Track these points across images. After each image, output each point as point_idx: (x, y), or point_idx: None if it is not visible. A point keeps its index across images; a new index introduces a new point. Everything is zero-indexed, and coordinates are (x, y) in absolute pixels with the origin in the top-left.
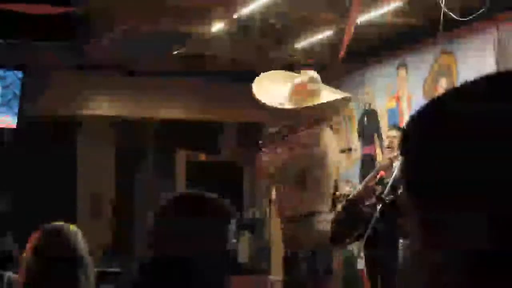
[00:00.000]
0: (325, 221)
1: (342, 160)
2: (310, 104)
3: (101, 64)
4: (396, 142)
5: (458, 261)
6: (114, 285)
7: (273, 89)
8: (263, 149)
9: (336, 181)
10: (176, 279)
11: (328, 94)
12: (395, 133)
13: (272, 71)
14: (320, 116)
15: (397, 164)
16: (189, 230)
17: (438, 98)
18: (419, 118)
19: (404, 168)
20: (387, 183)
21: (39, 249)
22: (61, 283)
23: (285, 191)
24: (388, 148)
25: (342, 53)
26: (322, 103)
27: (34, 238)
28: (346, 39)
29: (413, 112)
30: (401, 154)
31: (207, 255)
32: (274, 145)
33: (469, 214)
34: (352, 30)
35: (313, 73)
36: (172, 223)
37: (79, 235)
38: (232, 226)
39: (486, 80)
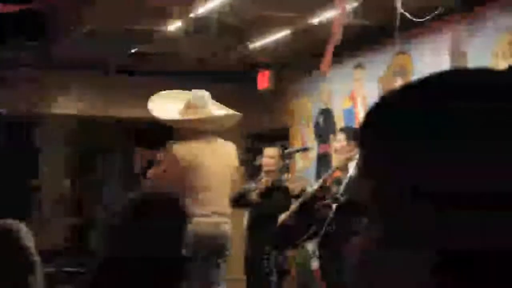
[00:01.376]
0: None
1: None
2: (197, 118)
3: (65, 63)
4: (343, 145)
5: (420, 259)
6: (72, 285)
7: (168, 105)
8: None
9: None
10: (134, 279)
11: (215, 110)
12: (342, 137)
13: (168, 90)
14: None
15: (353, 165)
16: (146, 230)
17: (392, 93)
18: (376, 112)
19: (363, 162)
20: (341, 183)
21: None
22: (10, 283)
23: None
24: (335, 151)
25: (326, 63)
26: (211, 118)
27: None
28: (333, 42)
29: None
30: (360, 147)
31: (164, 254)
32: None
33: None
34: (338, 34)
35: (200, 92)
36: (129, 223)
37: (29, 235)
38: (187, 227)
39: (437, 77)
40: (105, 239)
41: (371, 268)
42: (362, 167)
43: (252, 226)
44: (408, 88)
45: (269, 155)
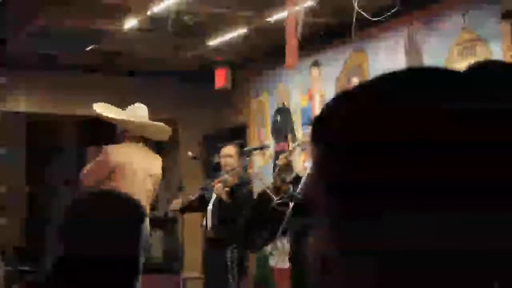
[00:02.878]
0: None
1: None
2: (140, 122)
3: (18, 60)
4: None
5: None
6: (25, 284)
7: (111, 109)
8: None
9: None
10: (87, 278)
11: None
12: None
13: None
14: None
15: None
16: (100, 229)
17: (349, 92)
18: (328, 111)
19: (320, 165)
20: (297, 181)
21: None
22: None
23: None
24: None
25: (291, 58)
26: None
27: None
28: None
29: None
30: (317, 149)
31: (118, 254)
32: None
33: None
34: (297, 33)
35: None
36: (83, 221)
37: None
38: (145, 225)
39: (394, 75)
40: (59, 236)
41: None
42: (313, 166)
43: (216, 225)
44: (362, 88)
45: (227, 153)
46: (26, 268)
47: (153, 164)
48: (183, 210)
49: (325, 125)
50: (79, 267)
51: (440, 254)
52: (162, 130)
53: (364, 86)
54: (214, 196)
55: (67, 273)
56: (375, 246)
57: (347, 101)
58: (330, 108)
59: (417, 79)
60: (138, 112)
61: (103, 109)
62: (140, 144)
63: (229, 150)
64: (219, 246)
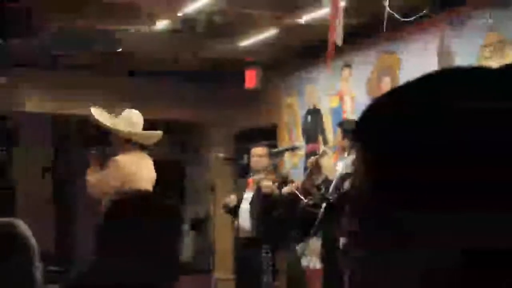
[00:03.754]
0: None
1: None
2: (141, 133)
3: (32, 61)
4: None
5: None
6: (58, 285)
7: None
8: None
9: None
10: (127, 279)
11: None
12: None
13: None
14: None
15: (343, 164)
16: (139, 230)
17: (394, 91)
18: (378, 111)
19: (367, 165)
20: (328, 182)
21: None
22: (17, 282)
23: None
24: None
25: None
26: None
27: None
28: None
29: (356, 111)
30: (363, 152)
31: (158, 254)
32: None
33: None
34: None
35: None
36: (122, 222)
37: (29, 230)
38: (183, 226)
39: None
40: (99, 238)
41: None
42: (358, 166)
43: (252, 225)
44: (408, 87)
45: (257, 154)
46: (55, 268)
47: (151, 167)
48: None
49: (371, 125)
50: (119, 267)
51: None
52: (158, 137)
53: (410, 85)
54: (247, 195)
55: (107, 273)
56: (428, 243)
57: (393, 100)
58: (376, 108)
59: (465, 79)
60: (134, 119)
61: (102, 118)
62: (141, 152)
63: (259, 150)
64: (253, 246)
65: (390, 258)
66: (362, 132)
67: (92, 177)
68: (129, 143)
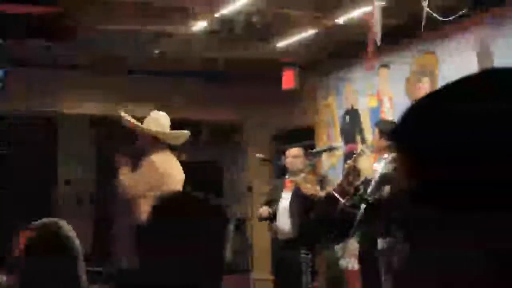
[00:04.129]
0: None
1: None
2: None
3: (81, 62)
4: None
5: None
6: (98, 284)
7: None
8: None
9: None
10: (174, 279)
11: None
12: (377, 132)
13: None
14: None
15: (381, 164)
16: (186, 230)
17: (436, 93)
18: (420, 113)
19: (410, 164)
20: (367, 183)
21: (32, 246)
22: (58, 281)
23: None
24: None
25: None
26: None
27: (27, 236)
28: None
29: (395, 111)
30: (404, 154)
31: (204, 256)
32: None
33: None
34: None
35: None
36: (167, 223)
37: (72, 231)
38: (229, 227)
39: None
40: (145, 238)
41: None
42: (399, 167)
43: (291, 226)
44: (449, 89)
45: (293, 155)
46: (94, 268)
47: (182, 170)
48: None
49: (413, 126)
50: (165, 268)
51: None
52: (186, 136)
53: (452, 87)
54: (285, 196)
55: (152, 274)
56: (472, 243)
57: (435, 102)
58: (418, 109)
59: (506, 81)
60: (162, 120)
61: (132, 119)
62: (170, 152)
63: (295, 151)
64: (291, 247)
65: (434, 257)
66: (404, 133)
67: (126, 178)
68: (158, 143)
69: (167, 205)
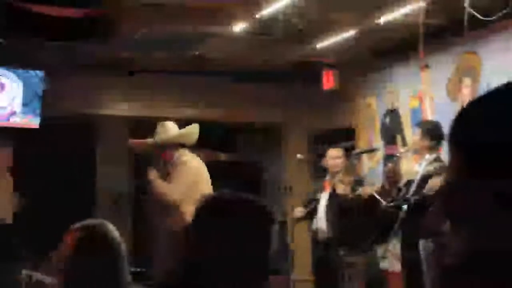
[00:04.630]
0: None
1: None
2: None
3: (120, 64)
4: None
5: None
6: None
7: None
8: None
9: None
10: (220, 280)
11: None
12: (418, 132)
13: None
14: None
15: (423, 164)
16: (232, 230)
17: (492, 92)
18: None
19: (463, 164)
20: (409, 183)
21: (81, 247)
22: (105, 282)
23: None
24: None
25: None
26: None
27: (72, 237)
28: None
29: (436, 112)
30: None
31: (250, 257)
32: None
33: None
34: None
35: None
36: (214, 224)
37: (116, 232)
38: (275, 227)
39: None
40: (188, 239)
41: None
42: (454, 166)
43: (329, 228)
44: (500, 93)
45: (333, 156)
46: (137, 269)
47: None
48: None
49: (466, 126)
50: (212, 267)
51: None
52: (197, 131)
53: (505, 89)
54: (324, 198)
55: (200, 274)
56: None
57: (487, 103)
58: (470, 110)
59: None
60: (169, 126)
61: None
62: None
63: (335, 152)
64: (331, 248)
65: (489, 253)
66: (458, 134)
67: (163, 187)
68: (179, 147)
69: (213, 205)
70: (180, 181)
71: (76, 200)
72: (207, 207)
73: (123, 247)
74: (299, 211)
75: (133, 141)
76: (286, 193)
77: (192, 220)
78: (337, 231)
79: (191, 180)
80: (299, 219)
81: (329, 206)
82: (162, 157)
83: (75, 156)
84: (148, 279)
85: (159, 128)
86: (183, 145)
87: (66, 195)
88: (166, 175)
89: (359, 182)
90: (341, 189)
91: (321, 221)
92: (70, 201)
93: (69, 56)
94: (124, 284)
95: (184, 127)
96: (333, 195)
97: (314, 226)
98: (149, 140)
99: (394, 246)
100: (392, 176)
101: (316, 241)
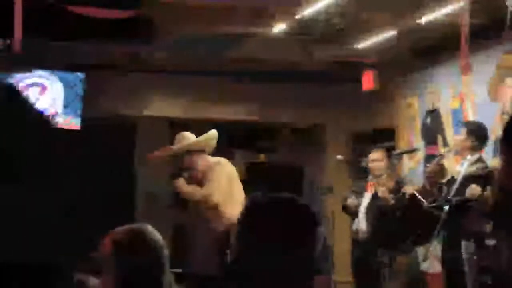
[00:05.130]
0: None
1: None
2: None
3: (160, 65)
4: (461, 139)
5: None
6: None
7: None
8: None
9: None
10: (266, 279)
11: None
12: (464, 132)
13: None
14: None
15: (464, 166)
16: (278, 231)
17: None
18: None
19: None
20: (452, 182)
21: (122, 250)
22: (146, 283)
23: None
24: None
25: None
26: None
27: (114, 239)
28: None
29: (477, 112)
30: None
31: (297, 257)
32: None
33: None
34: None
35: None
36: (261, 223)
37: (157, 234)
38: (320, 228)
39: None
40: (237, 239)
41: None
42: (501, 171)
43: (370, 229)
44: None
45: (376, 158)
46: (176, 270)
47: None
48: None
49: None
50: (257, 268)
51: None
52: (216, 136)
53: None
54: (366, 199)
55: (244, 274)
56: None
57: None
58: None
59: None
60: (188, 135)
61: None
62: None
63: (378, 154)
64: (372, 249)
65: None
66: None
67: (196, 192)
68: (204, 153)
69: (258, 207)
70: (214, 184)
71: (115, 202)
72: (252, 209)
73: (164, 249)
74: (352, 201)
75: (151, 155)
76: (327, 194)
77: (238, 222)
78: (377, 232)
79: (225, 182)
80: (349, 211)
81: (370, 208)
82: (185, 164)
83: (115, 157)
84: (187, 280)
85: (177, 138)
86: (202, 151)
87: (105, 196)
88: (193, 181)
89: (401, 184)
90: (383, 192)
91: (361, 222)
92: (109, 202)
93: (109, 57)
94: (165, 285)
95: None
96: (375, 197)
97: (354, 227)
98: (169, 148)
99: (435, 247)
100: (433, 176)
101: (356, 242)
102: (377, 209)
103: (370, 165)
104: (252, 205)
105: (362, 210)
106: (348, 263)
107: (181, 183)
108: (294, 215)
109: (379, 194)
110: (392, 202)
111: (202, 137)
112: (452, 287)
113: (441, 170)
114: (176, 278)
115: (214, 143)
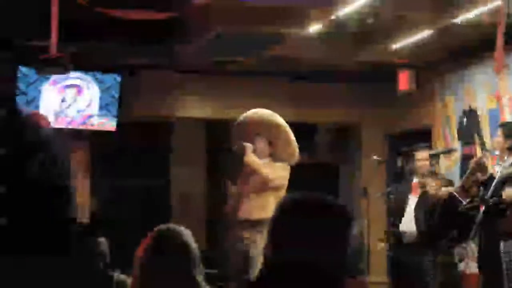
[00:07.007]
0: None
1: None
2: None
3: (195, 66)
4: (499, 141)
5: None
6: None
7: None
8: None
9: None
10: (297, 281)
11: None
12: (500, 133)
13: None
14: None
15: (502, 166)
16: (311, 230)
17: None
18: None
19: None
20: (491, 181)
21: (155, 252)
22: (180, 283)
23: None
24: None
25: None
26: None
27: (147, 240)
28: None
29: None
30: None
31: (329, 257)
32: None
33: None
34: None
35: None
36: (294, 224)
37: (191, 235)
38: (354, 228)
39: None
40: (268, 240)
41: None
42: None
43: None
44: None
45: (423, 157)
46: (209, 270)
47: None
48: None
49: None
50: (289, 267)
51: None
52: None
53: None
54: (412, 200)
55: (277, 273)
56: None
57: None
58: None
59: None
60: None
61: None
62: None
63: (425, 153)
64: (415, 251)
65: None
66: None
67: (267, 169)
68: None
69: (293, 206)
70: (281, 168)
71: (152, 202)
72: (287, 208)
73: (197, 250)
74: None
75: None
76: (362, 194)
77: (271, 220)
78: (424, 233)
79: (285, 172)
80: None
81: (418, 208)
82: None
83: (151, 158)
84: (221, 280)
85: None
86: None
87: (142, 196)
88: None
89: (448, 183)
90: (434, 189)
91: (407, 223)
92: (146, 203)
93: (146, 59)
94: (198, 286)
95: None
96: (423, 197)
97: (400, 229)
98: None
99: (472, 247)
100: (477, 171)
101: (398, 243)
102: (423, 210)
103: (417, 164)
104: (285, 204)
105: (409, 211)
106: (383, 263)
107: (250, 150)
108: (327, 215)
109: (430, 191)
110: (445, 197)
111: None
112: (489, 287)
113: (483, 167)
114: (211, 278)
115: None
